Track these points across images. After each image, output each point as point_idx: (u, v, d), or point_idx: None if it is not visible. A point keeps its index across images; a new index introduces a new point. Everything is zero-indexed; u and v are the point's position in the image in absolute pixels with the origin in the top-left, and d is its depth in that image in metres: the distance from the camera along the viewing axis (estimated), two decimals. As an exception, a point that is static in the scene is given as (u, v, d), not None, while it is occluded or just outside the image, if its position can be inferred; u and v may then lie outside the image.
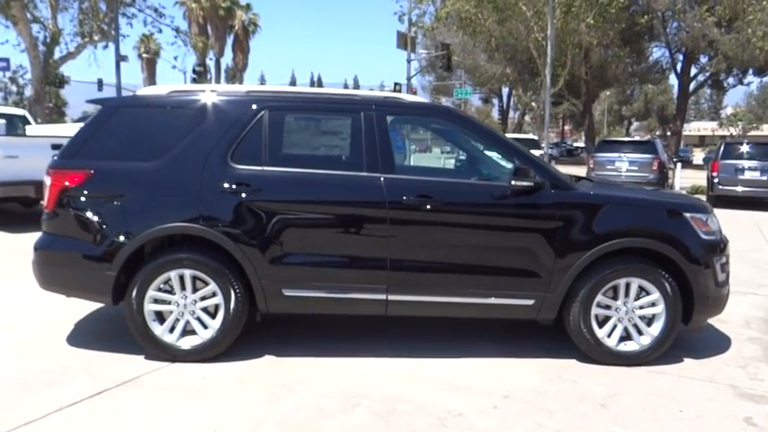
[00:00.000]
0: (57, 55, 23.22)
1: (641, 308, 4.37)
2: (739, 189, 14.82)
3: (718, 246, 4.49)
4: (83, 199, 4.17)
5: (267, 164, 4.20)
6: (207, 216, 4.10)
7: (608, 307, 4.37)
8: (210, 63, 47.28)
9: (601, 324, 4.37)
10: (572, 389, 4.00)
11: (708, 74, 38.35)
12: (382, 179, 4.17)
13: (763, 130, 64.25)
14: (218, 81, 45.38)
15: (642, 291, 4.35)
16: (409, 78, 27.09)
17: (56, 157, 4.32)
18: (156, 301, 4.17)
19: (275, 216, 4.13)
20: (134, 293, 4.12)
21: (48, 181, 4.22)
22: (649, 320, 4.40)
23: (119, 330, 4.83)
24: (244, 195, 4.11)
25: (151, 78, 49.21)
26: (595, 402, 3.81)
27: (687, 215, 4.40)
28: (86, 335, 4.74)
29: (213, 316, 4.21)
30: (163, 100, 4.36)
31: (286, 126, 4.34)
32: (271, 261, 4.12)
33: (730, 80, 40.56)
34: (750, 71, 38.81)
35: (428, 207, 4.16)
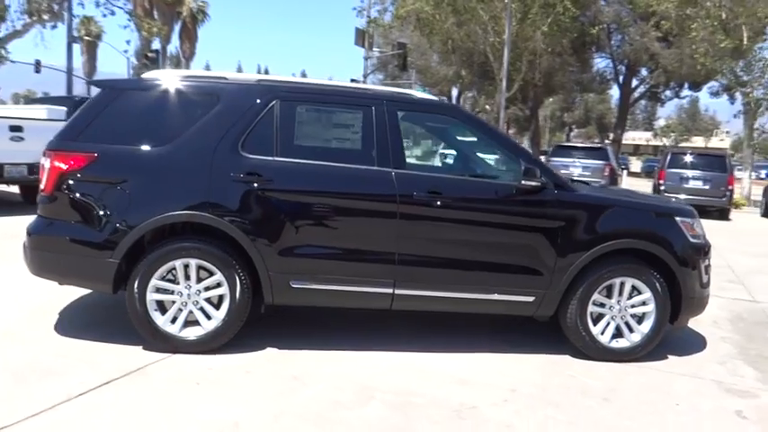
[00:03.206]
0: (2, 33, 22.02)
1: (633, 306, 4.55)
2: (683, 197, 15.50)
3: (704, 249, 4.72)
4: (85, 183, 4.02)
5: (278, 154, 4.15)
6: (216, 205, 4.03)
7: (602, 305, 4.53)
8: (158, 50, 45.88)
9: (594, 322, 4.53)
10: (573, 383, 4.13)
11: (648, 86, 39.96)
12: (393, 174, 4.19)
13: (694, 141, 67.41)
14: (163, 69, 44.03)
15: (634, 290, 4.54)
16: (365, 75, 27.09)
17: (55, 139, 4.14)
18: (158, 290, 4.06)
19: (286, 207, 4.10)
20: (136, 282, 4.00)
21: (47, 163, 4.04)
22: (639, 319, 4.58)
23: (107, 319, 4.72)
24: (254, 185, 4.05)
25: (91, 62, 47.49)
26: (598, 396, 3.95)
27: (677, 219, 4.61)
28: (73, 324, 4.57)
29: (216, 307, 4.14)
30: (171, 85, 4.24)
31: (297, 117, 4.29)
32: (280, 252, 4.08)
33: (667, 93, 42.35)
34: (686, 85, 40.68)
35: (437, 203, 4.21)
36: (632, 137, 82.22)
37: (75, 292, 5.07)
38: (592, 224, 4.41)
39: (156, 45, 42.92)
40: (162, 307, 4.11)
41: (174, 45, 49.50)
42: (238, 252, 4.09)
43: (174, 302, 4.10)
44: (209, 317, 4.13)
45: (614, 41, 37.61)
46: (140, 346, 4.16)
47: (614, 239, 4.40)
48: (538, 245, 4.34)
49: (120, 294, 4.21)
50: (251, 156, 4.10)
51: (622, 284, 4.50)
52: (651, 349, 4.61)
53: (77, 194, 4.02)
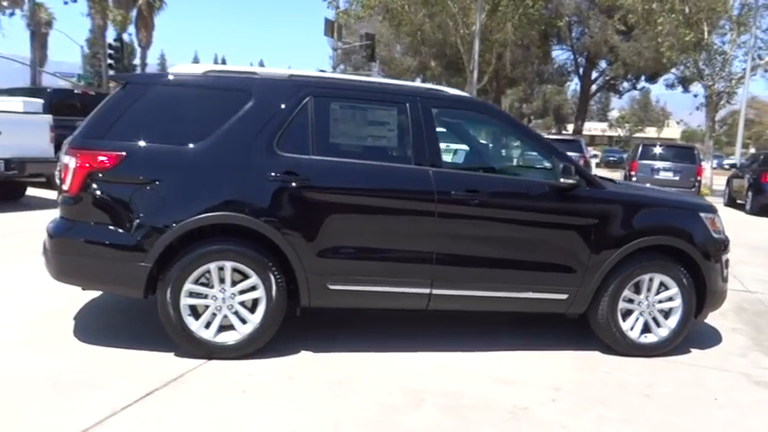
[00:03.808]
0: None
1: (660, 302, 4.60)
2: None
3: (724, 243, 4.80)
4: (113, 183, 3.82)
5: (314, 152, 4.03)
6: (252, 205, 3.88)
7: (631, 301, 4.56)
8: (111, 38, 44.45)
9: (623, 318, 4.56)
10: (611, 380, 4.16)
11: (607, 78, 40.79)
12: (431, 172, 4.12)
13: (647, 132, 69.15)
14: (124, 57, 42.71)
15: (662, 285, 4.59)
16: (334, 67, 26.83)
17: (80, 137, 3.92)
18: (191, 294, 3.91)
19: (323, 207, 3.98)
20: (170, 287, 3.84)
21: (71, 162, 3.83)
22: (666, 314, 4.64)
23: (125, 324, 4.55)
24: (292, 185, 3.93)
25: (42, 50, 45.72)
26: (638, 393, 3.98)
27: (702, 215, 4.68)
28: (92, 330, 4.36)
29: (251, 310, 4.01)
30: (199, 80, 4.07)
31: (331, 114, 4.18)
32: (318, 253, 3.97)
33: (625, 85, 43.33)
34: (643, 77, 41.70)
35: (475, 202, 4.16)
36: (588, 127, 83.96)
37: (82, 296, 4.86)
38: (623, 221, 4.43)
39: (110, 33, 41.67)
40: (195, 312, 3.95)
41: (127, 34, 48.16)
42: (273, 253, 3.96)
43: (207, 307, 3.95)
44: (244, 321, 4.00)
45: (575, 34, 38.29)
46: (172, 353, 4.00)
47: (646, 236, 4.43)
48: (572, 242, 4.34)
49: (132, 298, 4.08)
50: (287, 154, 3.97)
51: (651, 280, 4.55)
52: (678, 343, 4.68)
53: (105, 195, 3.82)
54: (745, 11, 20.77)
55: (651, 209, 4.58)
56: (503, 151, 5.08)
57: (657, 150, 16.65)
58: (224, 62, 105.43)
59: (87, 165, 3.78)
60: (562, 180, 4.21)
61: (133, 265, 3.80)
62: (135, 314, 4.76)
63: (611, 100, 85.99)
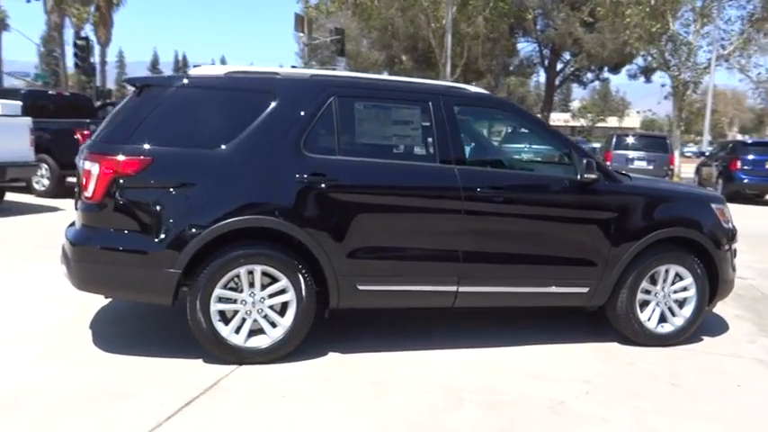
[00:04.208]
0: None
1: (675, 292, 4.70)
2: (629, 177, 16.24)
3: (733, 233, 4.93)
4: (140, 188, 3.73)
5: (340, 153, 3.99)
6: (282, 208, 3.83)
7: (648, 292, 4.65)
8: (68, 36, 43.23)
9: (641, 308, 4.64)
10: (636, 371, 4.23)
11: (572, 69, 41.35)
12: (456, 170, 4.13)
13: (609, 122, 70.43)
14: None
15: (677, 276, 4.69)
16: (306, 63, 26.60)
17: (102, 142, 3.80)
18: (220, 299, 3.84)
19: (352, 208, 3.95)
20: (200, 293, 3.76)
21: (93, 168, 3.71)
22: (681, 303, 4.74)
23: (142, 331, 4.47)
24: (321, 186, 3.88)
25: (-5, 50, 44.17)
26: (665, 382, 4.06)
27: (712, 205, 4.79)
28: (112, 339, 4.25)
29: (281, 314, 3.96)
30: (221, 82, 3.99)
31: (356, 114, 4.14)
32: (348, 255, 3.94)
33: (589, 76, 43.96)
34: (606, 68, 42.38)
35: (500, 198, 4.18)
36: (552, 118, 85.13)
37: (91, 304, 4.77)
38: (641, 214, 4.51)
39: (68, 31, 40.53)
40: (224, 317, 3.89)
41: (84, 32, 46.88)
42: (301, 256, 3.93)
43: (237, 312, 3.89)
44: (273, 325, 3.95)
45: (540, 26, 38.66)
46: (200, 359, 3.93)
47: (663, 228, 4.52)
48: (593, 236, 4.40)
49: (145, 305, 4.00)
50: (314, 155, 3.93)
51: (667, 271, 4.64)
52: (692, 332, 4.79)
53: (131, 201, 3.72)
54: (707, 2, 21.28)
55: (666, 201, 4.67)
56: (519, 147, 5.10)
57: (631, 140, 17.00)
58: (185, 59, 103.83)
59: (112, 170, 3.68)
60: (586, 175, 4.26)
61: (162, 272, 3.71)
62: (151, 322, 4.67)
63: (573, 91, 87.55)
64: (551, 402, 3.65)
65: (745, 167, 15.94)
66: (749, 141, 17.25)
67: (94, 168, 3.71)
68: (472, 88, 4.62)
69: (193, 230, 3.71)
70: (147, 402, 3.36)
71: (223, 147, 3.82)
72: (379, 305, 4.27)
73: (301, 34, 28.34)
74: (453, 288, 4.18)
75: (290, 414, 3.33)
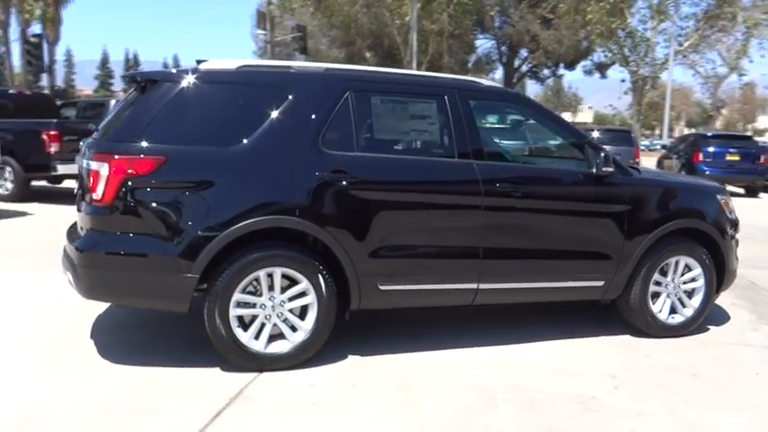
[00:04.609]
0: None
1: (685, 283, 4.73)
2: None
3: (736, 224, 4.99)
4: (153, 189, 3.53)
5: (359, 149, 3.87)
6: (303, 207, 3.68)
7: (659, 284, 4.67)
8: (12, 35, 41.58)
9: (652, 300, 4.66)
10: (655, 363, 4.23)
11: (530, 66, 41.92)
12: (475, 165, 4.05)
13: (563, 116, 71.69)
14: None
15: (686, 267, 4.72)
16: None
17: (110, 141, 3.58)
18: (239, 304, 3.67)
19: (373, 206, 3.83)
20: (219, 298, 3.59)
21: (102, 168, 3.49)
22: (690, 294, 4.77)
23: (148, 341, 4.27)
24: (342, 183, 3.75)
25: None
26: (686, 373, 4.07)
27: (718, 197, 4.84)
28: (117, 350, 4.02)
29: (301, 317, 3.82)
30: (234, 76, 3.81)
31: (372, 108, 4.02)
32: (370, 254, 3.82)
33: (545, 72, 44.65)
34: (562, 64, 43.11)
35: (518, 193, 4.12)
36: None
37: (85, 313, 4.55)
38: (654, 206, 4.51)
39: (13, 30, 38.97)
40: (242, 323, 3.72)
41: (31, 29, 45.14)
42: (321, 256, 3.79)
43: (256, 316, 3.73)
44: (294, 329, 3.80)
45: (498, 23, 39.04)
46: (216, 368, 3.76)
47: (675, 219, 4.54)
48: (608, 229, 4.38)
49: (145, 312, 3.80)
50: (333, 152, 3.79)
51: (677, 263, 4.67)
52: (700, 322, 4.83)
53: (144, 203, 3.51)
54: (663, -1, 21.85)
55: (676, 193, 4.69)
56: (533, 141, 5.06)
57: (596, 134, 17.23)
58: (136, 58, 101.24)
59: (123, 171, 3.46)
60: (604, 169, 4.24)
61: (178, 277, 3.52)
62: (153, 330, 4.46)
63: (528, 87, 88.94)
64: (582, 398, 3.61)
65: (707, 159, 16.38)
66: (709, 134, 17.72)
67: (103, 169, 3.49)
68: (485, 81, 4.54)
69: (211, 233, 3.53)
70: (174, 416, 3.18)
71: (239, 144, 3.64)
72: (400, 305, 4.16)
73: (260, 32, 27.95)
74: (474, 285, 4.11)
75: (326, 421, 3.20)
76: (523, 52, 41.77)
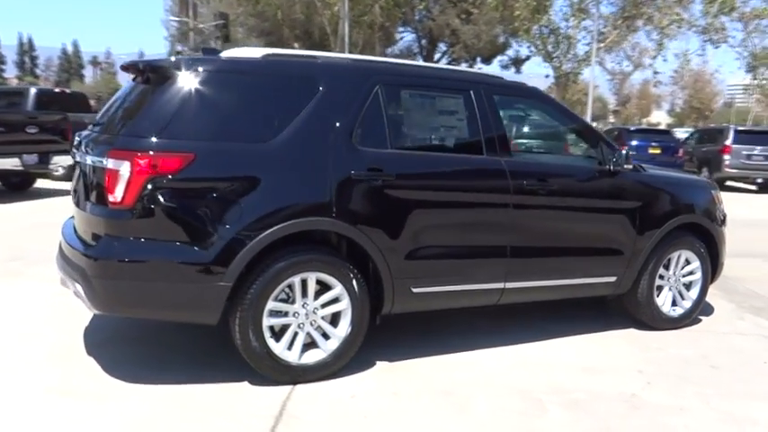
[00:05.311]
0: None
1: (684, 276, 4.86)
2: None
3: (725, 216, 5.18)
4: (181, 190, 3.19)
5: (393, 146, 3.68)
6: (340, 208, 3.45)
7: (662, 277, 4.77)
8: None
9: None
10: (671, 356, 4.30)
11: (449, 59, 42.52)
12: (503, 162, 3.96)
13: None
14: None
15: (686, 260, 4.84)
16: (194, 49, 25.08)
17: (130, 137, 3.20)
18: (271, 313, 3.41)
19: (408, 205, 3.65)
20: (252, 307, 3.31)
21: (123, 167, 3.12)
22: (687, 286, 4.91)
23: (155, 355, 3.91)
24: (377, 182, 3.55)
25: None
26: (704, 365, 4.16)
27: (712, 192, 5.00)
28: (125, 366, 3.64)
29: (333, 324, 3.60)
30: (261, 66, 3.52)
31: (402, 103, 3.83)
32: (406, 256, 3.65)
33: (464, 66, 45.46)
34: (479, 59, 44.06)
35: (544, 190, 4.07)
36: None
37: (75, 326, 4.14)
38: (662, 202, 4.59)
39: None
40: (272, 332, 3.46)
41: None
42: (354, 259, 3.59)
43: (288, 325, 3.48)
44: (326, 336, 3.58)
45: (418, 17, 39.32)
46: (244, 382, 3.49)
47: (680, 215, 4.64)
48: (621, 225, 4.42)
49: (136, 322, 3.53)
50: (366, 148, 3.58)
51: (679, 256, 4.78)
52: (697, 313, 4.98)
53: (170, 205, 3.17)
54: (583, -2, 22.65)
55: (680, 189, 4.78)
56: (548, 137, 5.03)
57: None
58: (31, 43, 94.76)
59: (148, 170, 3.11)
60: (626, 166, 4.26)
61: (210, 286, 3.22)
62: (154, 341, 4.10)
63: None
64: (624, 396, 3.61)
65: (631, 153, 17.12)
66: (632, 128, 18.57)
67: (124, 167, 3.12)
68: (506, 77, 4.46)
69: (245, 236, 3.24)
70: (221, 439, 2.90)
71: (272, 140, 3.37)
72: (429, 308, 4.01)
73: (173, 18, 26.76)
74: (501, 285, 4.03)
75: (386, 436, 3.02)
76: (443, 46, 42.42)
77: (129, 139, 3.19)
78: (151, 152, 3.12)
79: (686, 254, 4.79)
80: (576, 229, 4.28)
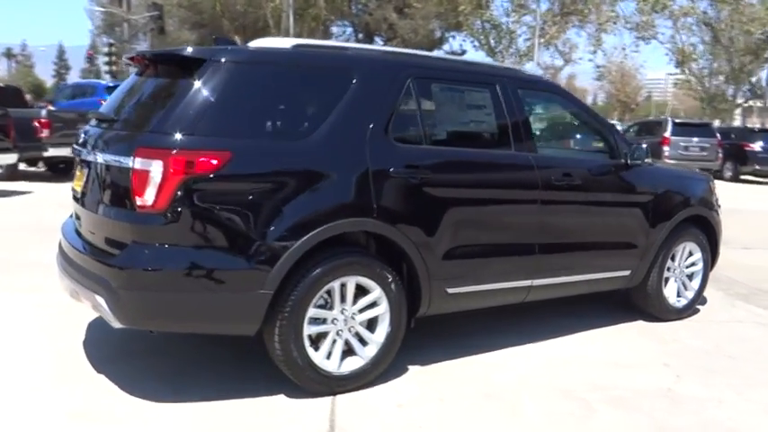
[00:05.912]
0: None
1: (687, 267, 4.94)
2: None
3: (719, 207, 5.30)
4: (217, 192, 2.93)
5: (428, 142, 3.53)
6: (381, 208, 3.27)
7: (668, 269, 4.82)
8: None
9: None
10: (688, 348, 4.34)
11: (387, 53, 42.60)
12: (531, 157, 3.87)
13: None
14: None
15: (689, 252, 4.92)
16: (123, 41, 23.97)
17: (160, 134, 2.90)
18: (311, 320, 3.19)
19: (445, 204, 3.51)
20: (293, 315, 3.09)
21: (154, 167, 2.83)
22: (690, 277, 4.99)
23: (165, 367, 3.61)
24: (415, 180, 3.38)
25: None
26: (721, 356, 4.22)
27: (710, 184, 5.10)
28: (138, 382, 3.34)
29: (370, 329, 3.42)
30: (293, 57, 3.28)
31: (433, 97, 3.68)
32: (444, 256, 3.51)
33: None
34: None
35: (569, 185, 4.02)
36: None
37: (59, 336, 3.81)
38: (672, 195, 4.64)
39: None
40: (311, 341, 3.24)
41: None
42: (391, 261, 3.42)
43: (326, 333, 3.27)
44: (364, 342, 3.39)
45: (355, 10, 39.08)
46: (280, 395, 3.27)
47: (687, 207, 4.70)
48: (636, 219, 4.43)
49: (139, 333, 3.42)
50: (402, 145, 3.41)
51: (684, 248, 4.85)
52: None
53: (206, 208, 2.91)
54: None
55: (685, 182, 4.85)
56: (563, 132, 4.98)
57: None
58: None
59: (183, 170, 2.83)
60: (647, 160, 4.27)
61: (250, 294, 2.97)
62: (166, 353, 3.80)
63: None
64: (661, 391, 3.60)
65: None
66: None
67: (156, 168, 2.83)
68: (527, 71, 4.37)
69: (287, 240, 3.01)
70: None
71: (309, 136, 3.15)
72: (461, 308, 3.87)
73: (99, 8, 25.58)
74: (528, 282, 3.95)
75: (450, 447, 2.88)
76: (379, 40, 42.35)
77: (160, 137, 2.90)
78: (187, 151, 2.85)
79: (690, 245, 4.86)
80: (598, 223, 4.26)
